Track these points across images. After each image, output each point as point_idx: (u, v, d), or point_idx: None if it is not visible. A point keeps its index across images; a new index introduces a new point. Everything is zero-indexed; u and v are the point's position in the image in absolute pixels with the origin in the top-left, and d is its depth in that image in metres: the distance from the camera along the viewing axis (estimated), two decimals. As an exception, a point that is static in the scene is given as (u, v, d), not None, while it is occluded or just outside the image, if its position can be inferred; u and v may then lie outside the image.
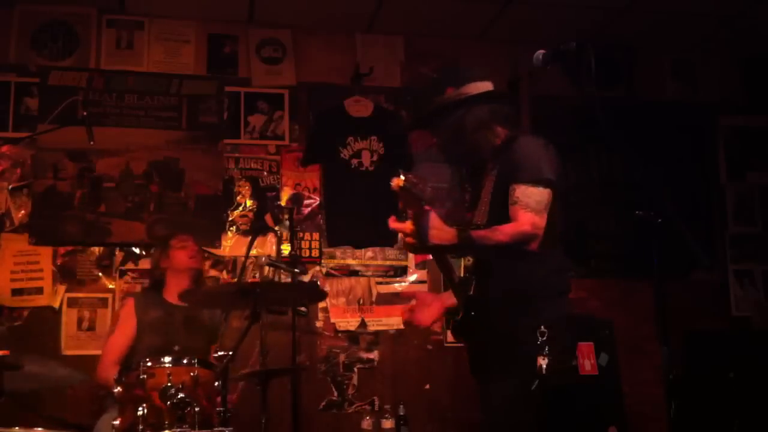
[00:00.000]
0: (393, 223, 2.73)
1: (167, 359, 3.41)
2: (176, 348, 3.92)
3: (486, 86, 3.02)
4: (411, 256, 5.30)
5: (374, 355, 5.16)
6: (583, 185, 5.53)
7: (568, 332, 2.82)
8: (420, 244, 2.68)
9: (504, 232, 2.74)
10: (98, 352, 4.69)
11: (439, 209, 2.73)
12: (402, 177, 2.51)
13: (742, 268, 5.74)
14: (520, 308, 2.83)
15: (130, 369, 3.37)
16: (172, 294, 4.25)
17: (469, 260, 3.01)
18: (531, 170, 2.80)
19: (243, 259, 4.88)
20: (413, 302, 3.21)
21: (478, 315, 2.91)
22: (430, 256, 5.12)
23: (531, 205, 2.76)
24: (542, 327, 2.74)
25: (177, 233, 4.47)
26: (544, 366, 2.69)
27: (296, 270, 4.60)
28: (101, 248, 4.93)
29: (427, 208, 2.63)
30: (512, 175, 2.82)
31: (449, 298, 3.07)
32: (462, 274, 3.04)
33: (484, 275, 2.92)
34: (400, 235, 2.77)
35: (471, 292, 2.93)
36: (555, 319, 2.78)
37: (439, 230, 2.68)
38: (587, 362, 4.58)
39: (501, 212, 2.82)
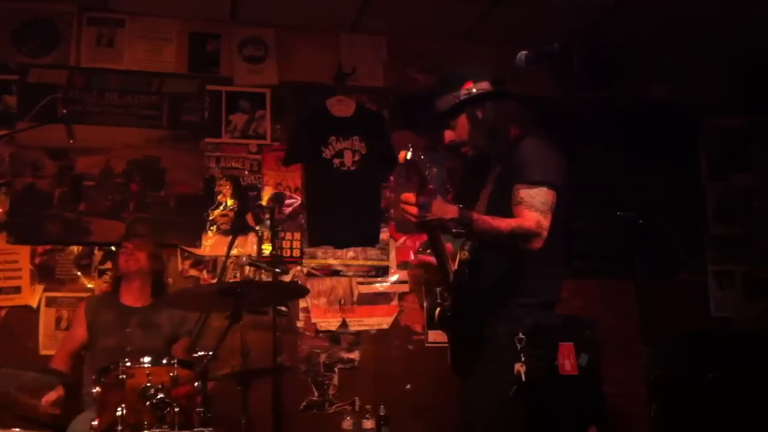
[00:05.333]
0: (404, 195, 2.72)
1: (147, 359, 3.39)
2: (129, 349, 3.92)
3: (487, 86, 2.99)
4: (392, 256, 5.29)
5: (355, 355, 5.15)
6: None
7: (543, 343, 2.80)
8: (421, 216, 2.66)
9: (507, 221, 2.70)
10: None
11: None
12: (410, 150, 2.52)
13: (724, 269, 5.78)
14: (501, 313, 2.81)
15: (109, 369, 3.34)
16: (126, 296, 4.32)
17: (465, 254, 2.98)
18: (535, 171, 2.77)
19: (224, 258, 4.86)
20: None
21: (466, 311, 2.90)
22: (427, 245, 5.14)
23: (536, 205, 2.72)
24: (520, 334, 2.72)
25: (127, 236, 4.53)
26: (523, 372, 2.68)
27: (277, 270, 4.59)
28: (80, 247, 4.89)
29: (430, 186, 2.62)
30: (515, 176, 2.79)
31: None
32: (456, 267, 3.01)
33: (477, 271, 2.91)
34: (405, 207, 2.72)
35: (463, 287, 2.92)
36: (532, 330, 2.75)
37: (441, 205, 2.67)
38: (567, 362, 4.61)
39: (499, 212, 2.79)
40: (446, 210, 2.66)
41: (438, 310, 3.06)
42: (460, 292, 2.95)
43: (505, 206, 2.78)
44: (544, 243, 2.71)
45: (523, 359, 2.68)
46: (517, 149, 2.86)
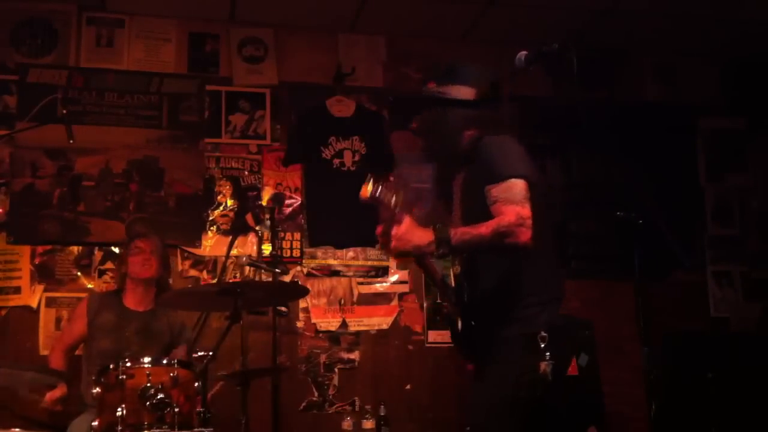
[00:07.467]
0: (377, 230, 2.72)
1: (147, 359, 3.39)
2: (126, 354, 3.90)
3: (466, 93, 2.94)
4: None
5: (355, 355, 5.16)
6: (564, 186, 5.55)
7: (561, 340, 2.77)
8: (394, 247, 2.66)
9: (487, 224, 2.65)
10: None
11: (420, 210, 2.69)
12: (369, 186, 2.51)
13: (721, 269, 5.79)
14: (511, 314, 2.77)
15: (109, 370, 3.34)
16: (129, 299, 4.27)
17: (457, 268, 2.95)
18: (501, 168, 2.73)
19: (223, 259, 4.86)
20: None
21: (477, 324, 2.87)
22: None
23: (511, 199, 2.68)
24: (542, 332, 2.70)
25: (141, 236, 4.43)
26: (549, 371, 2.66)
27: (277, 270, 4.59)
28: (80, 247, 4.89)
29: (401, 214, 2.61)
30: (483, 178, 2.76)
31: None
32: (453, 284, 2.98)
33: (475, 281, 2.87)
34: (381, 241, 2.72)
35: (466, 301, 2.88)
36: (548, 328, 2.71)
37: (413, 231, 2.65)
38: (567, 363, 4.61)
39: (477, 216, 2.74)
40: (421, 236, 2.65)
41: (451, 333, 3.02)
42: (465, 309, 2.91)
43: (481, 211, 2.74)
44: (533, 235, 2.67)
45: (548, 357, 2.66)
46: (477, 152, 2.83)
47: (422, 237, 2.65)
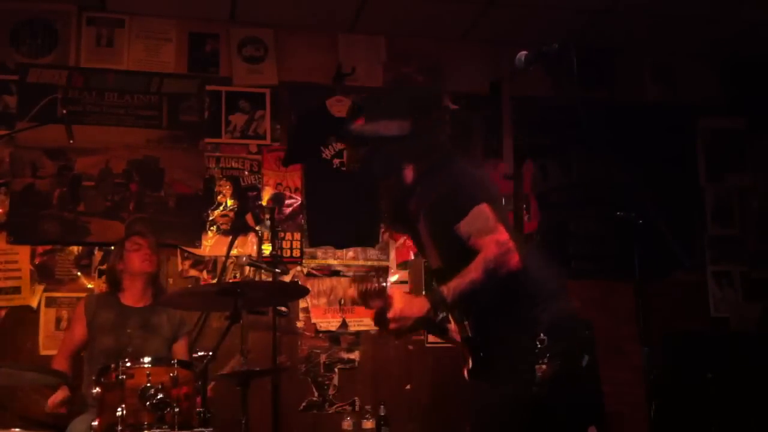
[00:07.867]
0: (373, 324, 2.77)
1: (147, 359, 3.40)
2: (129, 350, 3.91)
3: (398, 127, 2.86)
4: (392, 256, 5.30)
5: (355, 355, 5.16)
6: (564, 186, 5.56)
7: (565, 339, 2.72)
8: (396, 330, 2.67)
9: (474, 267, 2.61)
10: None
11: None
12: (354, 285, 2.55)
13: (721, 269, 5.79)
14: (511, 319, 2.74)
15: (109, 369, 3.34)
16: (127, 296, 4.27)
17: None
18: (460, 204, 2.69)
19: (223, 259, 4.86)
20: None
21: (486, 353, 2.85)
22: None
23: (483, 229, 2.65)
24: (541, 334, 2.68)
25: (134, 234, 4.44)
26: (548, 372, 2.63)
27: (277, 270, 4.59)
28: (80, 247, 4.89)
29: (390, 296, 2.62)
30: (447, 216, 2.71)
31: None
32: (453, 323, 2.93)
33: (472, 306, 2.81)
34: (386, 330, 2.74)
35: (470, 335, 2.83)
36: (550, 328, 2.68)
37: (409, 306, 2.63)
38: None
39: (452, 249, 2.73)
40: (418, 306, 2.63)
41: (465, 372, 2.99)
42: (472, 340, 2.89)
43: (457, 247, 2.70)
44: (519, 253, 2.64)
45: (545, 360, 2.65)
46: (430, 188, 2.80)
47: (419, 308, 2.63)
